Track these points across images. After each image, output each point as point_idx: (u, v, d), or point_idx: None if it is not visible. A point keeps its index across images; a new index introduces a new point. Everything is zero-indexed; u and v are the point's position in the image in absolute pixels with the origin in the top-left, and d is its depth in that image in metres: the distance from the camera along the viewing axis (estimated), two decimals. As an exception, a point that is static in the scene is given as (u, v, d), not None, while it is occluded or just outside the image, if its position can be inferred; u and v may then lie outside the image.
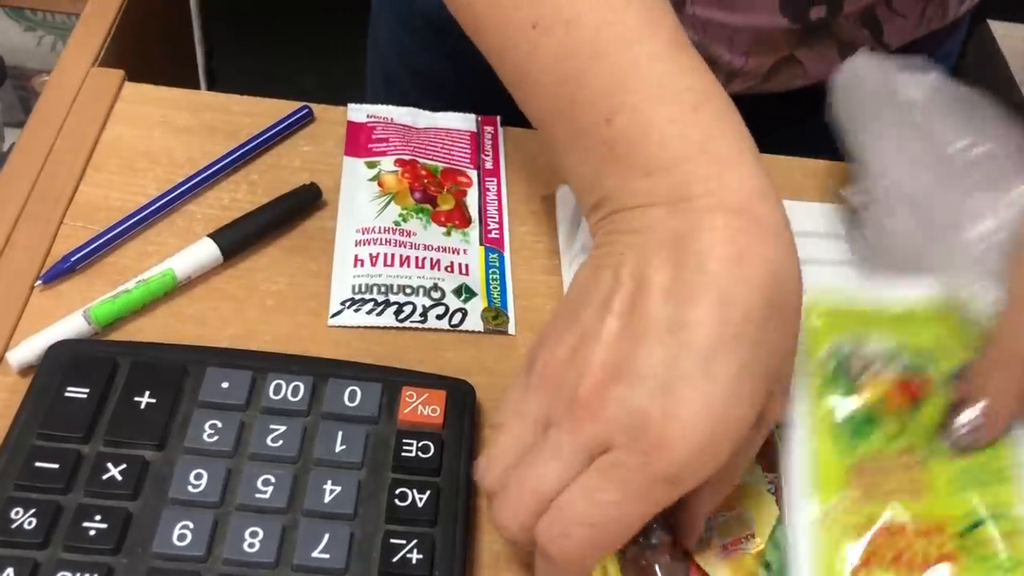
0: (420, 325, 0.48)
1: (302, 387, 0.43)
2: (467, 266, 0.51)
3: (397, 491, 0.40)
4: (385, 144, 0.55)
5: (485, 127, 0.58)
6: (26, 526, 0.37)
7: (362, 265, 0.49)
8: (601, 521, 0.34)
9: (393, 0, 0.70)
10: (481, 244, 0.52)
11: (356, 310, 0.48)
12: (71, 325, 0.45)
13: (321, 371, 0.44)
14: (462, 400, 0.44)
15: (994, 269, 0.43)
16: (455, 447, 0.42)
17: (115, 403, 0.41)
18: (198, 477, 0.39)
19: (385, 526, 0.39)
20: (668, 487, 0.33)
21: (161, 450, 0.40)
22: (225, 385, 0.42)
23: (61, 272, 0.47)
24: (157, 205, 0.50)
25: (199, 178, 0.52)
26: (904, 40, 0.60)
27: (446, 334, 0.48)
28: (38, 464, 0.39)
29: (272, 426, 0.41)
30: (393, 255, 0.50)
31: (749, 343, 0.33)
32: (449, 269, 0.50)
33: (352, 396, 0.43)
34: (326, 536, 0.39)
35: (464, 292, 0.49)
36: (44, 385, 0.42)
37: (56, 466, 0.39)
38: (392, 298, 0.48)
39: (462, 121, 0.58)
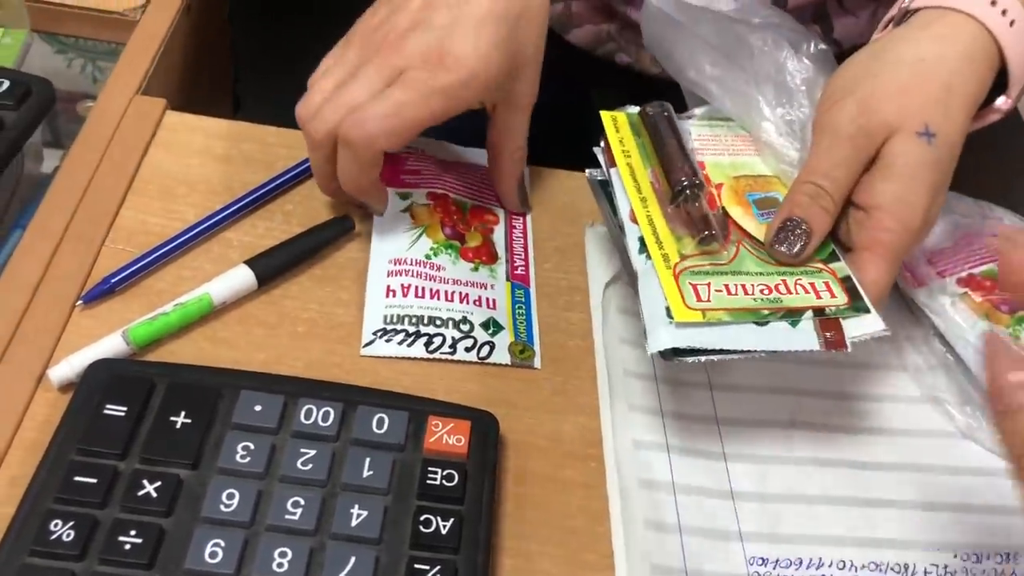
0: (449, 357, 0.49)
1: (332, 413, 0.44)
2: (494, 301, 0.52)
3: (422, 517, 0.41)
4: (418, 176, 0.56)
5: None
6: (64, 538, 0.39)
7: (394, 296, 0.50)
8: (393, 112, 0.47)
9: None
10: (508, 280, 0.53)
11: (388, 340, 0.49)
12: (110, 345, 0.46)
13: (350, 398, 0.45)
14: (486, 431, 0.45)
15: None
16: (478, 476, 0.43)
17: (151, 422, 0.43)
18: (230, 497, 0.41)
19: (409, 552, 0.41)
20: (444, 98, 0.47)
21: (195, 469, 0.42)
22: (258, 408, 0.44)
23: (101, 293, 0.49)
24: (195, 231, 0.52)
25: (236, 206, 0.53)
26: (855, 40, 0.61)
27: (472, 366, 0.50)
28: (76, 478, 0.40)
29: (303, 450, 0.43)
30: (424, 288, 0.51)
31: (507, 26, 0.48)
32: (477, 303, 0.51)
33: (380, 423, 0.44)
34: (352, 559, 0.40)
35: (492, 326, 0.50)
36: (83, 402, 0.43)
37: (94, 481, 0.40)
38: (423, 329, 0.49)
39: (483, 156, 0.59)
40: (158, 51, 0.61)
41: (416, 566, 0.40)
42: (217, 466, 0.42)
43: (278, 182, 0.55)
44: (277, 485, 0.42)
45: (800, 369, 0.52)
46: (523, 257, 0.55)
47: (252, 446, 0.42)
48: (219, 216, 0.53)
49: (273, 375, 0.46)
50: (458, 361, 0.49)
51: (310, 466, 0.42)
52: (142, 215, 0.53)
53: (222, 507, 0.40)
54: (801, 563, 0.44)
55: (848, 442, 0.49)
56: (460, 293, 0.51)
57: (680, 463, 0.47)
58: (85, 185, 0.54)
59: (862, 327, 0.44)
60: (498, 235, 0.55)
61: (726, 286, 0.44)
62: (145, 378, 0.44)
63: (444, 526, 0.41)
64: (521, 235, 0.56)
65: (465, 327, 0.50)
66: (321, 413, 0.44)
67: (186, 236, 0.52)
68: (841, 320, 0.44)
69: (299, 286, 0.52)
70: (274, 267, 0.51)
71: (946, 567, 0.45)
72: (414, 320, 0.50)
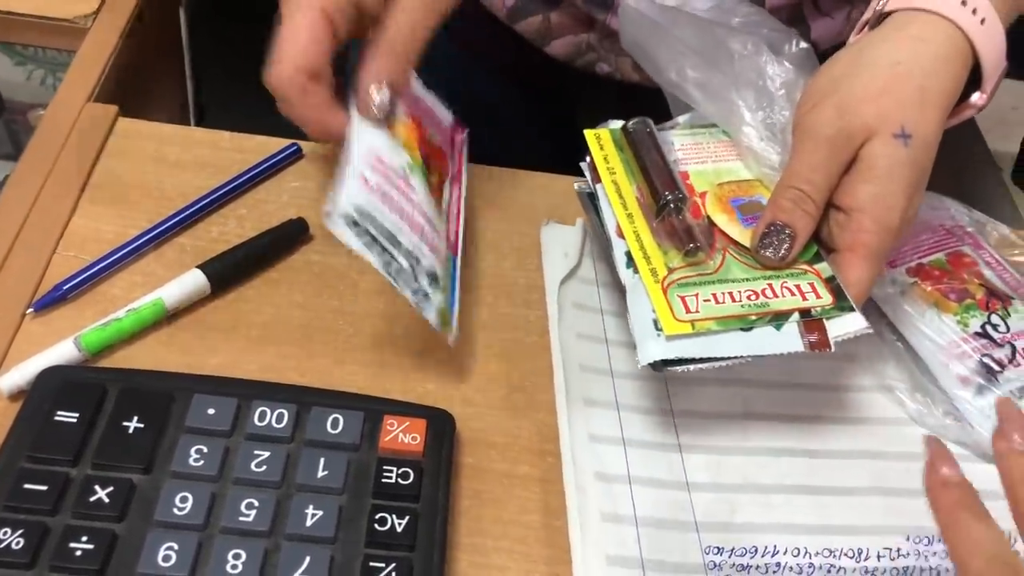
0: (392, 284, 0.46)
1: (286, 414, 0.44)
2: (441, 252, 0.49)
3: (377, 516, 0.41)
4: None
5: (456, 132, 0.58)
6: (13, 546, 0.38)
7: (369, 190, 0.47)
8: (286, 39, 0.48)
9: None
10: (446, 241, 0.51)
11: (358, 235, 0.45)
12: (62, 352, 0.46)
13: (305, 399, 0.45)
14: (442, 429, 0.45)
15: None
16: (434, 474, 0.43)
17: (103, 428, 0.42)
18: (183, 500, 0.41)
19: (364, 550, 0.40)
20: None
21: (148, 474, 0.42)
22: (211, 411, 0.44)
23: (53, 300, 0.48)
24: (148, 237, 0.52)
25: (189, 211, 0.53)
26: (833, 41, 0.62)
27: (427, 365, 0.50)
28: (27, 486, 0.40)
29: (256, 452, 0.43)
30: (396, 202, 0.47)
31: None
32: (431, 248, 0.48)
33: (335, 424, 0.44)
34: (307, 559, 0.40)
35: (432, 279, 0.48)
36: (34, 409, 0.43)
37: (44, 488, 0.40)
38: (384, 244, 0.46)
39: (445, 111, 0.58)
40: (109, 58, 0.61)
41: (371, 564, 0.40)
42: (170, 470, 0.42)
43: (232, 186, 0.55)
44: (231, 487, 0.42)
45: (753, 362, 0.52)
46: (456, 225, 0.53)
47: (205, 449, 0.42)
48: (172, 221, 0.53)
49: (226, 378, 0.46)
50: (398, 295, 0.46)
51: (264, 468, 0.42)
52: (95, 222, 0.53)
53: (175, 510, 0.40)
54: (756, 551, 0.45)
55: (801, 431, 0.50)
56: (422, 227, 0.48)
57: (636, 456, 0.47)
58: (36, 193, 0.53)
59: (845, 326, 0.45)
60: (446, 190, 0.54)
61: (714, 295, 0.45)
62: (97, 384, 0.44)
63: (399, 524, 0.41)
64: (456, 204, 0.54)
65: (415, 265, 0.47)
66: (275, 415, 0.44)
67: (139, 242, 0.51)
68: (825, 321, 0.45)
69: (254, 289, 0.52)
70: (228, 271, 0.51)
71: (898, 550, 0.46)
72: (382, 230, 0.46)
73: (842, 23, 0.61)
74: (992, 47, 0.47)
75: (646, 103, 0.52)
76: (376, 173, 0.48)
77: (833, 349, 0.44)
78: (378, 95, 0.49)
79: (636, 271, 0.46)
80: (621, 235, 0.48)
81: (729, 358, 0.44)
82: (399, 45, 0.50)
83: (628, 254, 0.47)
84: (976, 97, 0.49)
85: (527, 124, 0.75)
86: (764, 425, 0.49)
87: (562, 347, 0.51)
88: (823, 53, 0.61)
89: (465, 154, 0.58)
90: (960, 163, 0.76)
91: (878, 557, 0.45)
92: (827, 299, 0.45)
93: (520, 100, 0.73)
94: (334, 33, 0.48)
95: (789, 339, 0.44)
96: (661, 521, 0.45)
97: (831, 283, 0.46)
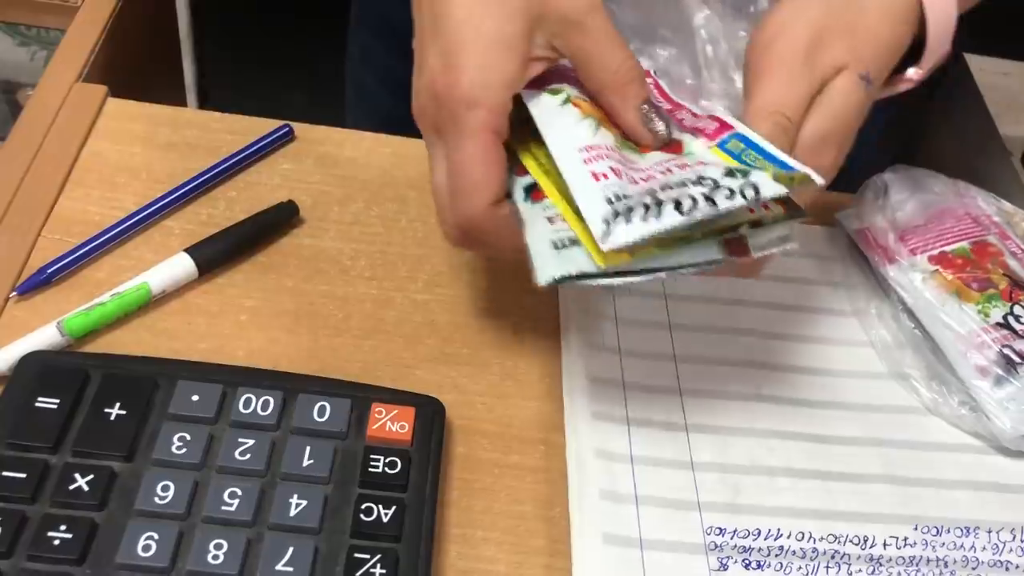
0: (712, 210, 0.38)
1: (272, 401, 0.43)
2: (718, 163, 0.41)
3: (363, 506, 0.40)
4: (557, 75, 0.45)
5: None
6: (-9, 535, 0.37)
7: (606, 178, 0.39)
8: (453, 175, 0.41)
9: (368, 15, 0.71)
10: (712, 148, 0.42)
11: (628, 220, 0.38)
12: (44, 336, 0.45)
13: (291, 386, 0.44)
14: (431, 417, 0.44)
15: None
16: (422, 463, 0.42)
17: (85, 414, 0.41)
18: (165, 489, 0.40)
19: (350, 541, 0.40)
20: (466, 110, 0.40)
21: (129, 461, 0.41)
22: (195, 398, 0.43)
23: (37, 284, 0.47)
24: (135, 219, 0.51)
25: (177, 193, 0.52)
26: None
27: (418, 352, 0.49)
28: (5, 473, 0.39)
29: (240, 440, 0.42)
30: (633, 175, 0.40)
31: None
32: (697, 164, 0.40)
33: (321, 411, 0.43)
34: (290, 550, 0.39)
35: (736, 172, 0.39)
36: (15, 395, 0.42)
37: (23, 476, 0.39)
38: (661, 196, 0.38)
39: None
40: (100, 38, 0.59)
41: (356, 555, 0.39)
42: (152, 458, 0.41)
43: (221, 168, 0.54)
44: (214, 476, 0.41)
45: (767, 343, 0.51)
46: (715, 119, 0.44)
47: (189, 437, 0.41)
48: (160, 204, 0.52)
49: (212, 364, 0.45)
50: (717, 218, 0.38)
51: (248, 456, 0.41)
52: (81, 204, 0.52)
53: (156, 499, 0.39)
54: (759, 533, 0.44)
55: (811, 416, 0.49)
56: (673, 165, 0.40)
57: (639, 434, 0.46)
58: (22, 174, 0.52)
59: (770, 234, 0.41)
60: (674, 130, 0.44)
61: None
62: (79, 369, 0.43)
63: (386, 514, 0.40)
64: (698, 115, 0.45)
65: (707, 183, 0.39)
66: (260, 402, 0.43)
67: (125, 225, 0.50)
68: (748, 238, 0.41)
69: (242, 274, 0.50)
70: (215, 255, 0.50)
71: (906, 539, 0.45)
72: (647, 198, 0.38)
73: None
74: (943, 24, 0.46)
75: None
76: (597, 161, 0.40)
77: (755, 255, 0.40)
78: (660, 124, 0.43)
79: (533, 201, 0.41)
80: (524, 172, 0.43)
81: (641, 272, 0.39)
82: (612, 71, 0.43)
83: (529, 187, 0.42)
84: (912, 72, 0.47)
85: None
86: (774, 408, 0.49)
87: (569, 324, 0.50)
88: None
89: (666, 88, 0.48)
90: (970, 148, 0.75)
91: (884, 545, 0.44)
92: (777, 210, 0.41)
93: None
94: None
95: (707, 249, 0.40)
96: (662, 500, 0.44)
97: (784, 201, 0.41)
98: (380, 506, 0.40)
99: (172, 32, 0.74)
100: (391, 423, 0.43)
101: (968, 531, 0.45)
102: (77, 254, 0.49)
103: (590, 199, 0.38)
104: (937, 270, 0.52)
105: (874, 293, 0.54)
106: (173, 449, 0.41)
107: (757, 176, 0.39)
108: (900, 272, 0.52)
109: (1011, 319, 0.50)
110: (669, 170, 0.40)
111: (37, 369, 0.43)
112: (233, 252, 0.50)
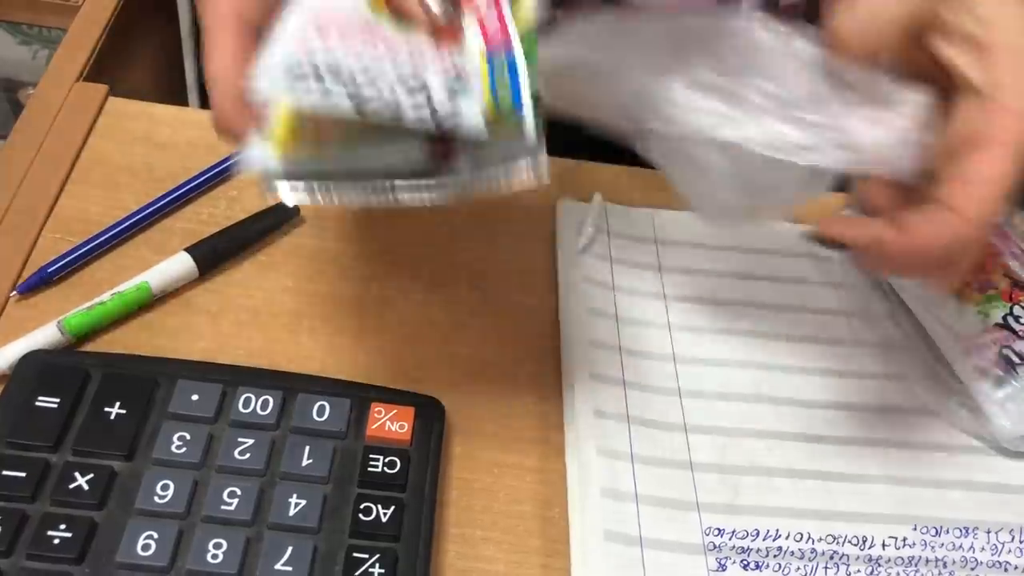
0: (388, 114, 0.32)
1: (271, 401, 0.43)
2: (463, 69, 0.34)
3: (362, 506, 0.40)
4: None
5: None
6: (-9, 534, 0.37)
7: (309, 43, 0.33)
8: None
9: None
10: (483, 55, 0.34)
11: (292, 87, 0.32)
12: (45, 335, 0.45)
13: (291, 386, 0.44)
14: (431, 417, 0.44)
15: None
16: (422, 463, 0.42)
17: (85, 413, 0.42)
18: (164, 488, 0.40)
19: (349, 540, 0.40)
20: None
21: (129, 461, 0.41)
22: (195, 398, 0.43)
23: (37, 283, 0.47)
24: (135, 219, 0.51)
25: (178, 193, 0.52)
26: None
27: (419, 352, 0.49)
28: (5, 472, 0.39)
29: (240, 439, 0.42)
30: (354, 35, 0.34)
31: None
32: (438, 67, 0.33)
33: (321, 411, 0.43)
34: (289, 549, 0.39)
35: (457, 92, 0.33)
36: (15, 394, 0.42)
37: (23, 475, 0.39)
38: (351, 89, 0.32)
39: None
40: (101, 37, 0.59)
41: (355, 555, 0.39)
42: (152, 457, 0.41)
43: (222, 167, 0.54)
44: (214, 475, 0.41)
45: (767, 344, 0.51)
46: (495, 12, 0.36)
47: (188, 436, 0.41)
48: (161, 203, 0.52)
49: (212, 364, 0.45)
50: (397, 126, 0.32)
51: (248, 455, 0.41)
52: (82, 204, 0.52)
53: (156, 498, 0.39)
54: (758, 534, 0.44)
55: (810, 416, 0.49)
56: (409, 53, 0.34)
57: (640, 433, 0.46)
58: (23, 174, 0.52)
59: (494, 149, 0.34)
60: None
61: None
62: (79, 368, 0.43)
63: (385, 514, 0.40)
64: None
65: (417, 89, 0.33)
66: (260, 402, 0.43)
67: (126, 224, 0.51)
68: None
69: (242, 273, 0.51)
70: (216, 254, 0.50)
71: (904, 539, 0.45)
72: (333, 70, 0.32)
73: None
74: None
75: None
76: (316, 26, 0.34)
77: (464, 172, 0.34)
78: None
79: None
80: None
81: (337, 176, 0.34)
82: None
83: None
84: None
85: None
86: (772, 409, 0.49)
87: (571, 321, 0.50)
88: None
89: None
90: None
91: (883, 546, 0.44)
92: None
93: None
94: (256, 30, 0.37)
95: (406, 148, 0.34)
96: (662, 500, 0.44)
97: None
98: (379, 506, 0.40)
99: (174, 31, 0.74)
100: (390, 423, 0.43)
101: (967, 531, 0.46)
102: (78, 253, 0.49)
103: (273, 53, 0.34)
104: None
105: (873, 293, 0.54)
106: (173, 448, 0.41)
107: (464, 103, 0.32)
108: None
109: (1011, 320, 0.50)
110: (404, 56, 0.33)
111: (37, 368, 0.43)
112: (234, 251, 0.50)
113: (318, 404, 0.43)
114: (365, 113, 0.32)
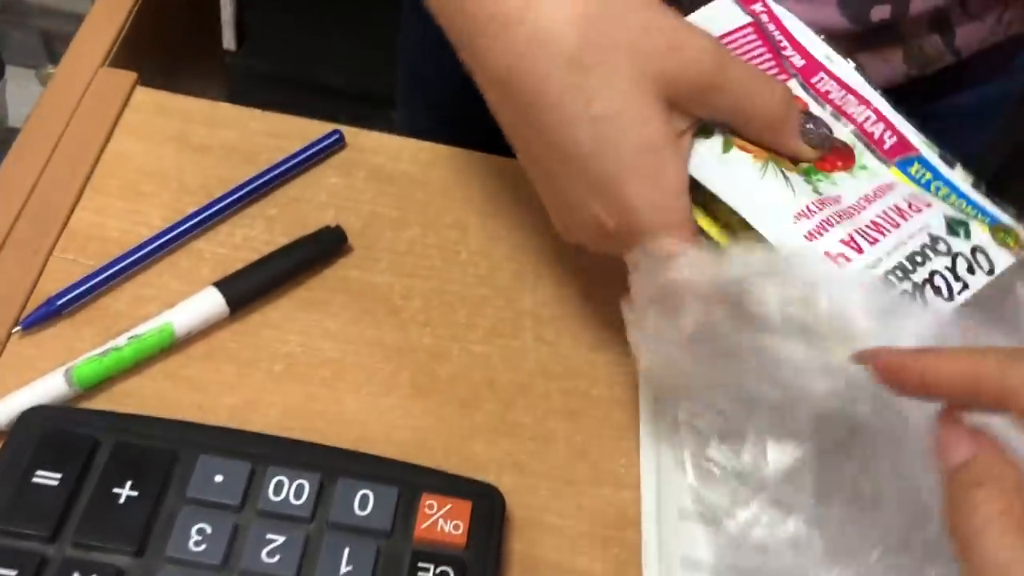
0: (966, 293, 0.36)
1: (307, 487, 0.37)
2: (916, 196, 0.38)
3: (408, 628, 0.34)
4: None
5: (752, 7, 0.42)
6: (-27, 648, 0.32)
7: (847, 260, 0.35)
8: None
9: None
10: (888, 165, 0.39)
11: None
12: (49, 387, 0.39)
13: (331, 464, 0.38)
14: (490, 512, 0.38)
15: None
16: (479, 573, 0.36)
17: (91, 493, 0.36)
18: (179, 596, 0.34)
19: (392, 671, 0.34)
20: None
21: (139, 556, 0.35)
22: (219, 479, 0.37)
23: (45, 317, 0.41)
24: (161, 241, 0.44)
25: (211, 210, 0.46)
26: (975, 47, 0.53)
27: (475, 419, 0.42)
28: (-7, 568, 0.33)
29: (269, 535, 0.36)
30: (860, 229, 0.36)
31: None
32: (914, 208, 0.37)
33: (363, 502, 0.37)
34: None
35: (955, 226, 0.37)
36: (10, 464, 0.36)
37: (13, 573, 0.33)
38: (914, 278, 0.35)
39: (722, 15, 0.42)
40: (129, 15, 0.52)
41: None
42: (166, 555, 0.35)
43: (261, 181, 0.47)
44: (237, 580, 0.35)
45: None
46: (873, 115, 0.40)
47: (209, 529, 0.35)
48: (190, 223, 0.45)
49: (239, 432, 0.39)
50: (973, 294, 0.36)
51: (277, 557, 0.35)
52: (100, 217, 0.45)
53: (168, 610, 0.34)
54: None
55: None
56: (888, 211, 0.37)
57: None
58: (35, 178, 0.46)
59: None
60: (814, 109, 0.40)
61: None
62: (86, 436, 0.37)
63: (435, 640, 0.34)
64: (837, 87, 0.41)
65: (942, 246, 0.36)
66: (294, 487, 0.37)
67: (150, 247, 0.44)
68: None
69: (279, 311, 0.44)
70: (249, 291, 0.43)
71: None
72: (899, 272, 0.35)
73: (991, 26, 0.52)
74: None
75: None
76: (818, 237, 0.36)
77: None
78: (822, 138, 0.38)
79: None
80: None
81: None
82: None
83: None
84: None
85: None
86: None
87: (649, 393, 0.43)
88: (965, 63, 0.52)
89: (787, 21, 0.42)
90: None
91: None
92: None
93: None
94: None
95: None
96: None
97: None
98: (428, 628, 0.35)
99: (210, 10, 0.67)
100: (443, 521, 0.37)
101: None
102: (92, 282, 0.42)
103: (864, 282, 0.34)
104: None
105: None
106: (191, 545, 0.35)
107: (979, 237, 0.37)
108: None
109: None
110: (888, 217, 0.37)
111: (39, 430, 0.37)
112: (270, 286, 0.44)
113: (361, 493, 0.37)
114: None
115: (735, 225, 0.37)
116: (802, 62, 0.41)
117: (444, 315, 0.45)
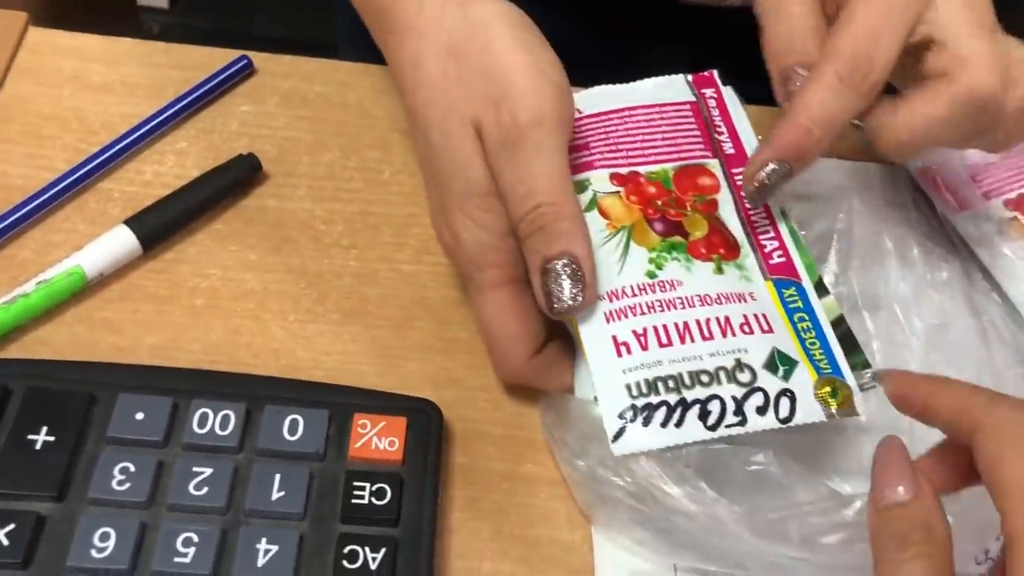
0: (739, 429, 0.34)
1: (233, 417, 0.36)
2: (765, 317, 0.36)
3: (346, 549, 0.33)
4: (587, 152, 0.40)
5: (703, 91, 0.42)
6: None
7: (628, 352, 0.35)
8: None
9: None
10: (766, 278, 0.38)
11: (645, 423, 0.34)
12: (-45, 340, 0.37)
13: (256, 393, 0.36)
14: (426, 426, 0.37)
15: None
16: (417, 489, 0.35)
17: (4, 443, 0.34)
18: (104, 538, 0.33)
19: (332, 594, 0.33)
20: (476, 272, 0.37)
21: (60, 502, 0.33)
22: (140, 416, 0.35)
23: (-54, 269, 0.39)
24: (65, 183, 0.42)
25: (116, 148, 0.44)
26: None
27: (408, 338, 0.41)
28: (-95, 525, 0.32)
29: (196, 468, 0.34)
30: (664, 327, 0.35)
31: None
32: (745, 329, 0.36)
33: (293, 427, 0.36)
34: (260, 610, 0.32)
35: (780, 362, 0.35)
36: (-82, 420, 0.34)
37: (-74, 529, 0.32)
38: (688, 395, 0.34)
39: (669, 89, 0.42)
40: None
41: (340, 614, 0.32)
42: (88, 496, 0.34)
43: (168, 113, 0.45)
44: (165, 517, 0.34)
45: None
46: (772, 231, 0.39)
47: (133, 467, 0.34)
48: (95, 162, 0.43)
49: (160, 368, 0.38)
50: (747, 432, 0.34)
51: (205, 489, 0.34)
52: (0, 165, 0.43)
53: (94, 552, 0.32)
54: None
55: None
56: (717, 319, 0.36)
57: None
58: (-74, 129, 0.44)
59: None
60: (725, 206, 0.39)
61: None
62: (-4, 384, 0.35)
63: (374, 559, 0.33)
64: (742, 208, 0.40)
65: (744, 376, 0.35)
66: (219, 418, 0.36)
67: (54, 190, 0.42)
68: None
69: (196, 246, 0.42)
70: (162, 226, 0.42)
71: None
72: (670, 383, 0.34)
73: None
74: None
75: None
76: (620, 319, 0.35)
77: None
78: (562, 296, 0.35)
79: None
80: None
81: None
82: None
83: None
84: None
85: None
86: None
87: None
88: None
89: (734, 111, 0.42)
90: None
91: None
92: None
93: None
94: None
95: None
96: None
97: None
98: (367, 548, 0.33)
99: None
100: (378, 439, 0.36)
101: None
102: (-5, 230, 0.40)
103: (608, 385, 0.34)
104: (1016, 216, 0.45)
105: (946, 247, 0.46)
106: (114, 484, 0.34)
107: (798, 382, 0.35)
108: (973, 222, 0.45)
109: None
110: (716, 325, 0.36)
111: (-55, 383, 0.35)
112: (184, 221, 0.42)
113: (290, 418, 0.36)
114: (715, 436, 0.34)
115: None
116: (732, 151, 0.41)
117: (369, 237, 0.44)
